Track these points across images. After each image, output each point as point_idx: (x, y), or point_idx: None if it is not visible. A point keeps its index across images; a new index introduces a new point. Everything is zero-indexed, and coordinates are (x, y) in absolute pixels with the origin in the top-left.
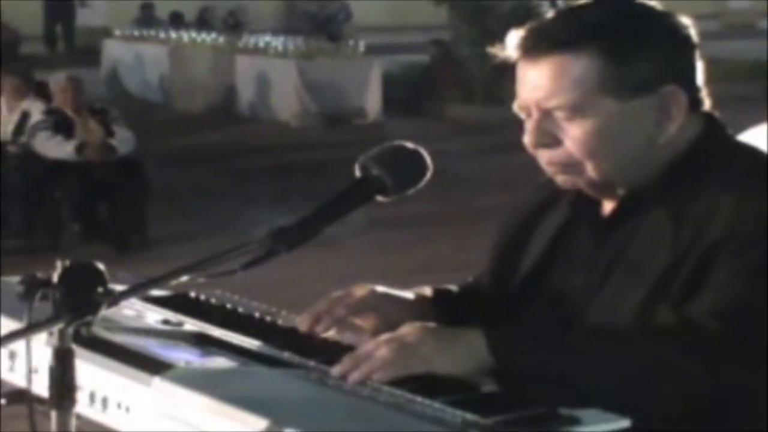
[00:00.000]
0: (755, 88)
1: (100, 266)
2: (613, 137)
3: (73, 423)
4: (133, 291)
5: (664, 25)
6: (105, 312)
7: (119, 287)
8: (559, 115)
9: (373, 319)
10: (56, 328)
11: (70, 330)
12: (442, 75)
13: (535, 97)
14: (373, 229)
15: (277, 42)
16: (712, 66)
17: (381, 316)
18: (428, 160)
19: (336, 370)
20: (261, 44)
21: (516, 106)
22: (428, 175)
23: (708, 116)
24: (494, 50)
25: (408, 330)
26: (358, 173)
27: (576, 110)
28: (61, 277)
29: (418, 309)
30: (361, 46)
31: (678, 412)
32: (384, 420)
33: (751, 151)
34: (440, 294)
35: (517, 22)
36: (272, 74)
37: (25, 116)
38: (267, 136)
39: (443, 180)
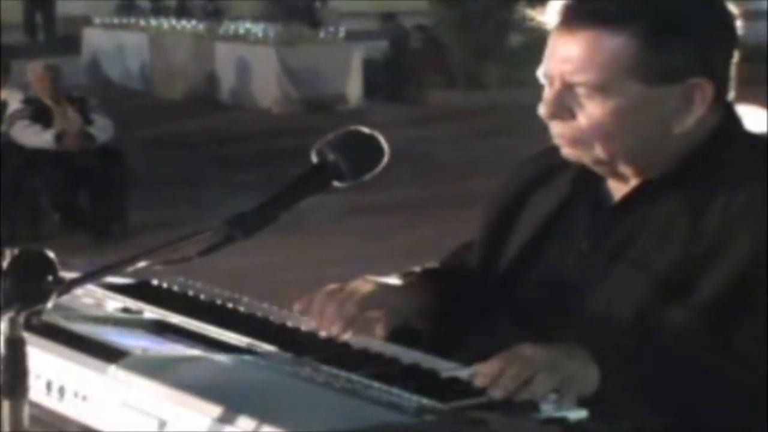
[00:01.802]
0: (755, 69)
1: (50, 254)
2: (630, 121)
3: (26, 411)
4: (85, 279)
5: (710, 14)
6: (63, 300)
7: (72, 275)
8: (581, 90)
9: (381, 314)
10: (6, 317)
11: (21, 319)
12: (424, 60)
13: (562, 69)
14: (355, 215)
15: (257, 29)
16: None
17: (389, 310)
18: (385, 144)
19: (493, 393)
20: (241, 31)
21: (540, 73)
22: (385, 160)
23: (726, 107)
24: (532, 14)
25: (549, 352)
26: (314, 159)
27: (599, 89)
28: (10, 265)
29: (418, 296)
30: (342, 32)
31: None
32: (339, 406)
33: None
34: (429, 276)
35: (499, 7)
36: (253, 61)
37: (2, 106)
38: (248, 122)
39: (425, 165)
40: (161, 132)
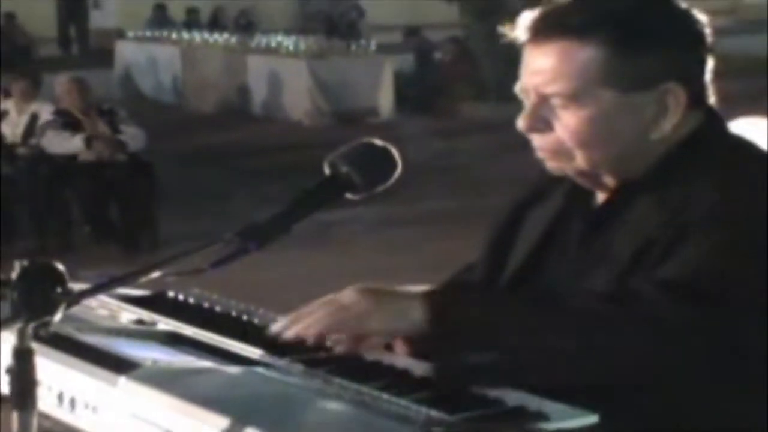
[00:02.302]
0: None
1: (59, 266)
2: (606, 129)
3: (35, 422)
4: (93, 291)
5: (677, 20)
6: (77, 312)
7: (82, 286)
8: (555, 101)
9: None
10: (15, 328)
11: (30, 330)
12: (455, 73)
13: (535, 81)
14: (384, 227)
15: (289, 41)
16: (726, 62)
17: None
18: (397, 157)
19: (273, 328)
20: (273, 44)
21: (517, 88)
22: (398, 172)
23: (708, 111)
24: (504, 30)
25: (346, 291)
26: (327, 171)
27: (573, 98)
28: (19, 277)
29: None
30: (373, 44)
31: (615, 381)
32: (347, 417)
33: (747, 145)
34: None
35: None
36: (284, 74)
37: (34, 118)
38: (279, 135)
39: (456, 178)
40: (193, 145)
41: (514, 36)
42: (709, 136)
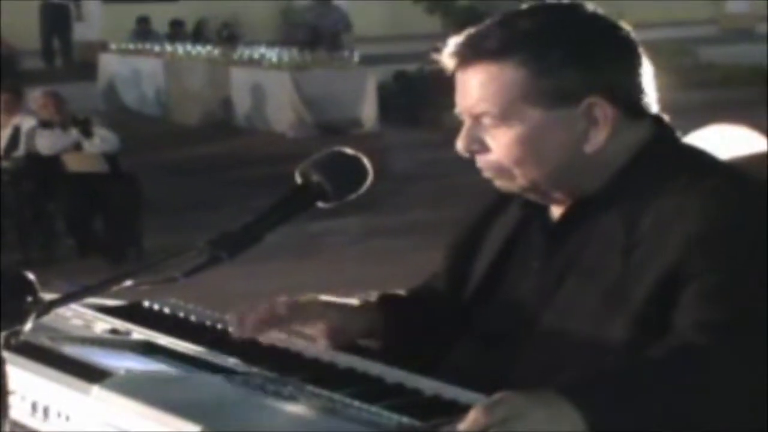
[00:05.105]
0: (754, 92)
1: (30, 276)
2: (537, 145)
3: (8, 431)
4: (64, 300)
5: (597, 33)
6: (51, 321)
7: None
8: (486, 121)
9: (320, 328)
10: None
11: (0, 339)
12: (439, 83)
13: (466, 103)
14: (370, 237)
15: (272, 53)
16: (711, 70)
17: (328, 324)
18: (368, 166)
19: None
20: (256, 56)
21: (456, 111)
22: (369, 181)
23: (656, 121)
24: (434, 57)
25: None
26: (298, 180)
27: (501, 118)
28: None
29: (364, 316)
30: (356, 56)
31: None
32: (319, 425)
33: (700, 155)
34: (387, 300)
35: None
36: (268, 86)
37: (17, 131)
38: (263, 147)
39: (440, 188)
40: (177, 157)
41: (444, 62)
42: (661, 146)
